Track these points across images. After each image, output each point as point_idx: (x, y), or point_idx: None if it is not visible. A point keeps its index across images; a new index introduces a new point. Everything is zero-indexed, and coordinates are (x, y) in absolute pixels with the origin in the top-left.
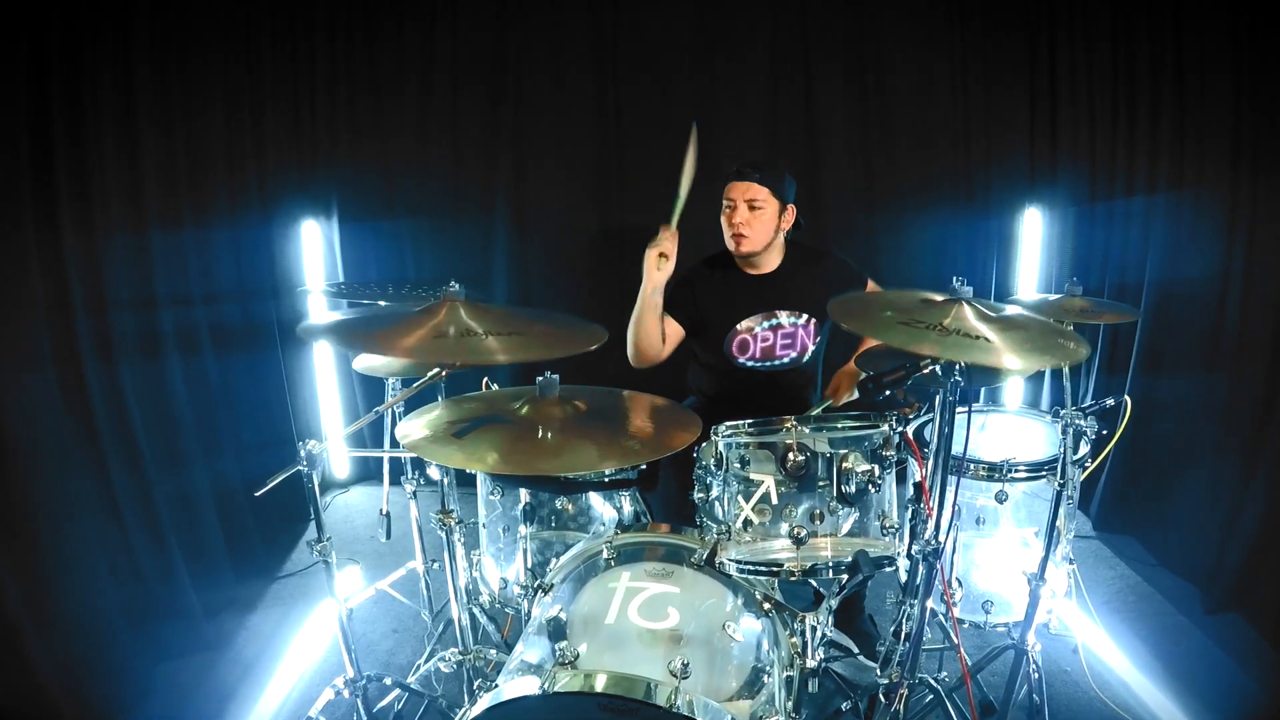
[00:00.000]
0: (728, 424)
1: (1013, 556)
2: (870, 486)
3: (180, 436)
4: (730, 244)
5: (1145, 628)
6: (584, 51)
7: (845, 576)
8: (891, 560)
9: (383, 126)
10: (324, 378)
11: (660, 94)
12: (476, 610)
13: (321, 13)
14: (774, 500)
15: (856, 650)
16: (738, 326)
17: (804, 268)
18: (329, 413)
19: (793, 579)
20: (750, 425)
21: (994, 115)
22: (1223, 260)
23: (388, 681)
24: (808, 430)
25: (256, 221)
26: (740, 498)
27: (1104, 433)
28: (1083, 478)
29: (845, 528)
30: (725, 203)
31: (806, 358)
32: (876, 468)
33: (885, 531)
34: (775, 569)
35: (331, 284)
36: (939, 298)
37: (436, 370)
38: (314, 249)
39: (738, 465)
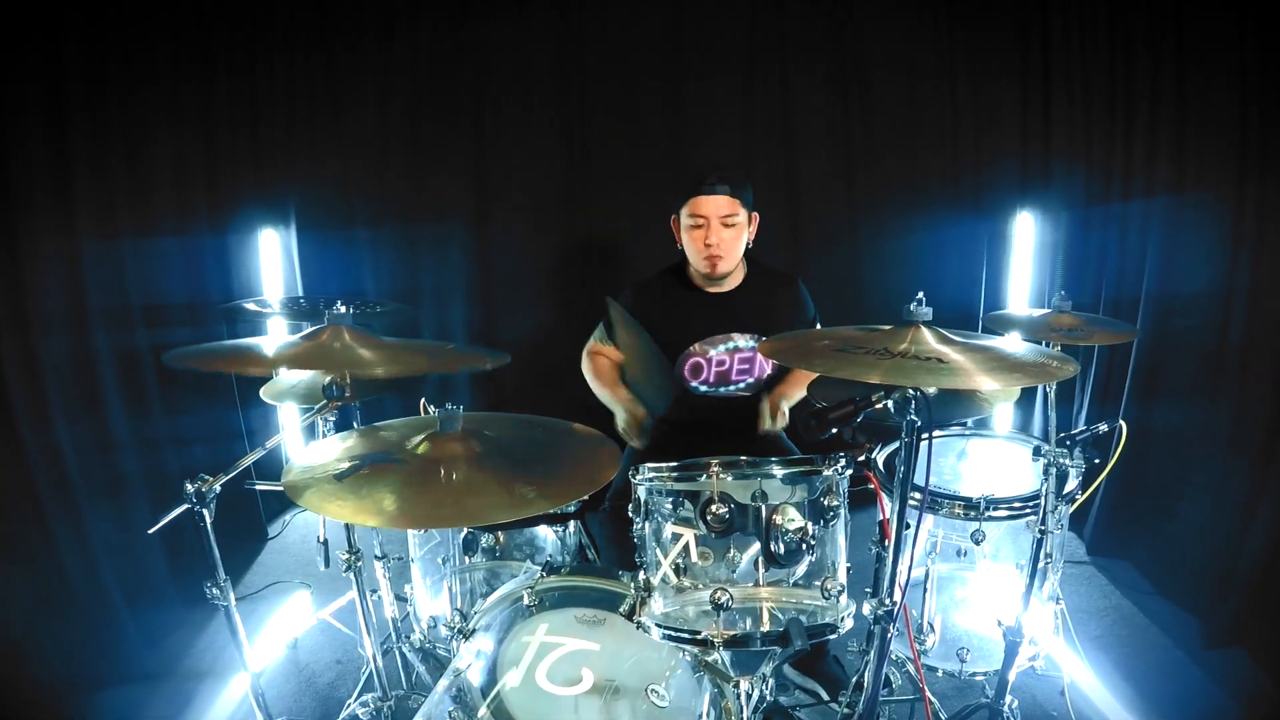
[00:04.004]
0: (650, 465)
1: (994, 594)
2: (803, 546)
3: (118, 457)
4: (703, 266)
5: (1140, 664)
6: (549, 60)
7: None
8: (833, 628)
9: (343, 142)
10: None
11: (628, 101)
12: (407, 649)
13: (279, 33)
14: (693, 558)
15: (826, 696)
16: (691, 349)
17: (766, 289)
18: (288, 428)
19: (714, 647)
20: (673, 469)
21: (983, 113)
22: (1227, 270)
23: None
24: (730, 479)
25: (208, 235)
26: (659, 551)
27: (1096, 461)
28: (1072, 510)
29: (777, 589)
30: (693, 220)
31: (763, 383)
32: (810, 525)
33: (827, 594)
34: (696, 635)
35: (290, 297)
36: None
37: (323, 403)
38: (272, 262)
39: (662, 513)
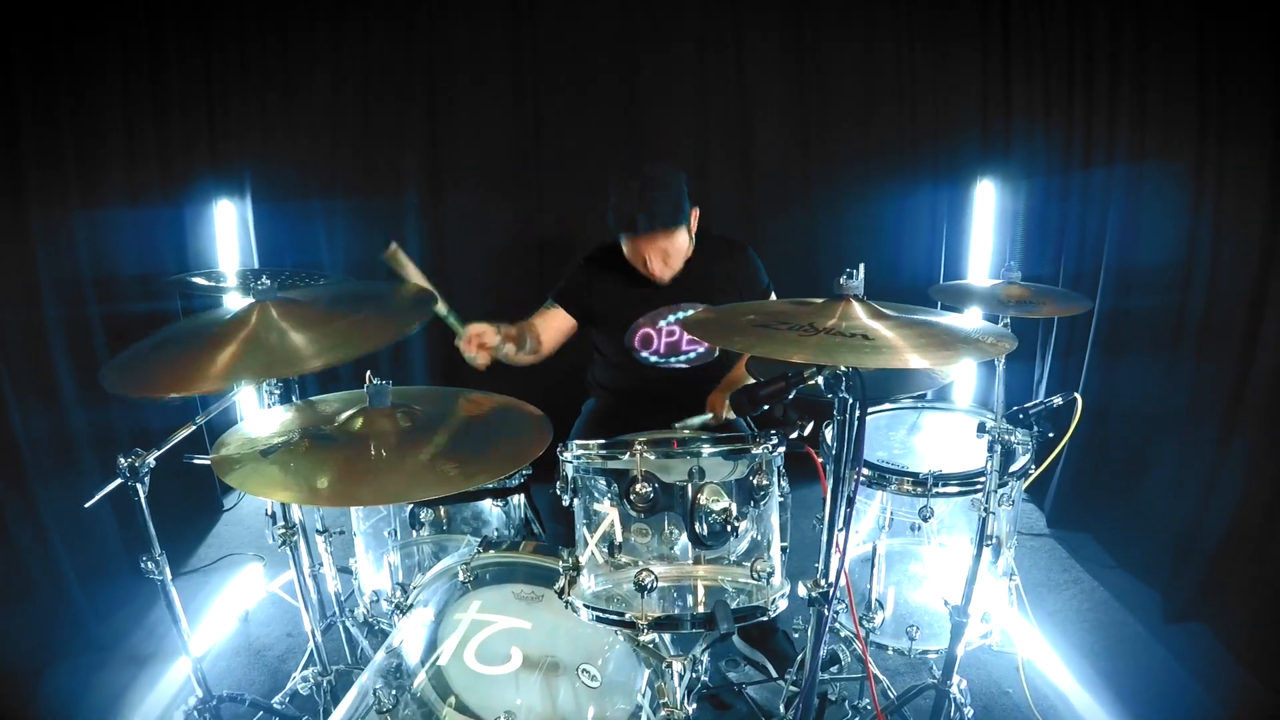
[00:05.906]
0: (578, 443)
1: (947, 571)
2: (727, 527)
3: (69, 429)
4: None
5: (1100, 640)
6: (501, 32)
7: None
8: (763, 611)
9: (297, 115)
10: None
11: (582, 70)
12: (351, 624)
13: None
14: (618, 537)
15: (774, 673)
16: (639, 320)
17: (714, 259)
18: (244, 395)
19: (640, 629)
20: (600, 447)
21: (942, 79)
22: (1188, 239)
23: (246, 702)
24: (654, 457)
25: (163, 206)
26: (586, 529)
27: (1051, 435)
28: (1026, 485)
29: (715, 567)
30: (627, 247)
31: (716, 353)
32: (734, 505)
33: (757, 575)
34: (621, 617)
35: (242, 270)
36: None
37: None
38: (228, 233)
39: (589, 491)
